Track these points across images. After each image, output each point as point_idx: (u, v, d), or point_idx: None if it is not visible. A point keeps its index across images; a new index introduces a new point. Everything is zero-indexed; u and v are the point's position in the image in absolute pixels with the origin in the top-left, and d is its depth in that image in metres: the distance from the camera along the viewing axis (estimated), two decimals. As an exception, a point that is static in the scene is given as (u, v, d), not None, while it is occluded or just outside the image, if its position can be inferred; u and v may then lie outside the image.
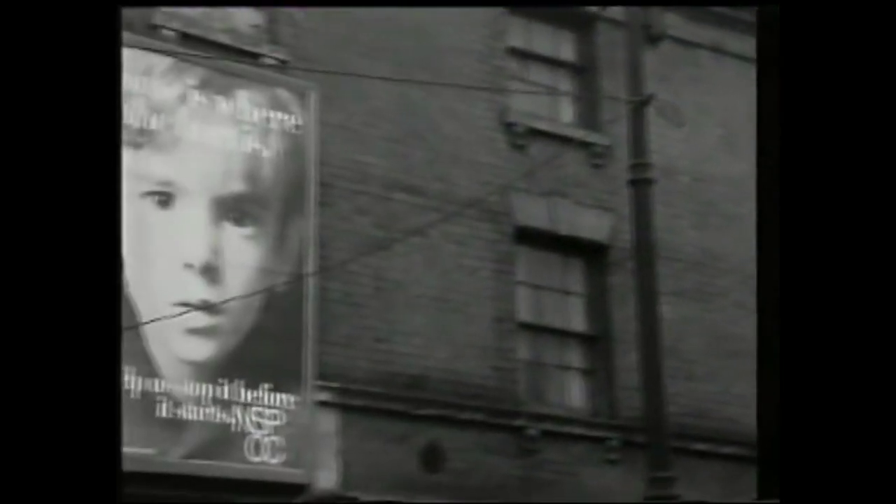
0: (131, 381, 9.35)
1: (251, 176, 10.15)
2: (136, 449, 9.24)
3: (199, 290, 9.70)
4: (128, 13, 9.85)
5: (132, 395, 9.32)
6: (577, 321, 11.96)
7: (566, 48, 12.58)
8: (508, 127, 11.72)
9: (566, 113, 12.40)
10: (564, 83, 12.52)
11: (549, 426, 11.22)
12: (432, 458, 10.73)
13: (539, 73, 12.37)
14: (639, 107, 9.69)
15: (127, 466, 9.07)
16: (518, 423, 11.11)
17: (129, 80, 9.70)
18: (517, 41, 12.23)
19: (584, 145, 12.08)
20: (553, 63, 12.48)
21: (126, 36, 9.65)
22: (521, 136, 11.76)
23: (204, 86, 10.04)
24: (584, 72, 12.51)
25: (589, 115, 12.34)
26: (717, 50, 13.09)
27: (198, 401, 9.60)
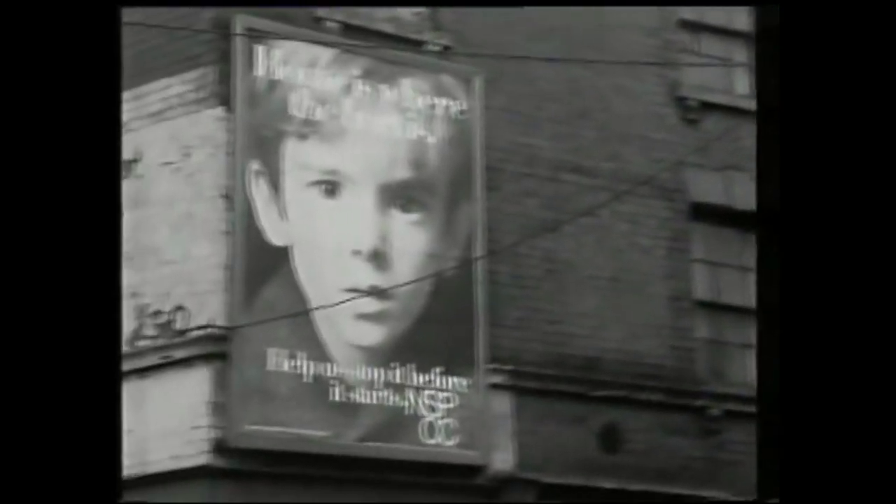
0: (303, 365, 9.58)
1: (417, 163, 10.24)
2: (311, 431, 9.49)
3: (368, 277, 9.85)
4: (289, 8, 10.09)
5: (304, 379, 9.56)
6: (759, 298, 11.62)
7: (740, 17, 12.21)
8: (680, 101, 11.48)
9: (741, 84, 12.04)
10: (739, 54, 12.16)
11: (731, 406, 10.97)
12: (611, 439, 10.62)
13: (711, 45, 12.04)
14: (814, 74, 9.35)
15: (301, 448, 9.48)
16: (699, 403, 10.91)
17: (293, 72, 9.94)
18: (688, 13, 11.94)
19: (761, 117, 11.73)
20: (726, 33, 12.14)
21: (289, 29, 9.95)
22: (693, 111, 11.50)
23: (368, 75, 10.17)
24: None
25: (765, 85, 11.96)
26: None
27: (370, 384, 9.76)
